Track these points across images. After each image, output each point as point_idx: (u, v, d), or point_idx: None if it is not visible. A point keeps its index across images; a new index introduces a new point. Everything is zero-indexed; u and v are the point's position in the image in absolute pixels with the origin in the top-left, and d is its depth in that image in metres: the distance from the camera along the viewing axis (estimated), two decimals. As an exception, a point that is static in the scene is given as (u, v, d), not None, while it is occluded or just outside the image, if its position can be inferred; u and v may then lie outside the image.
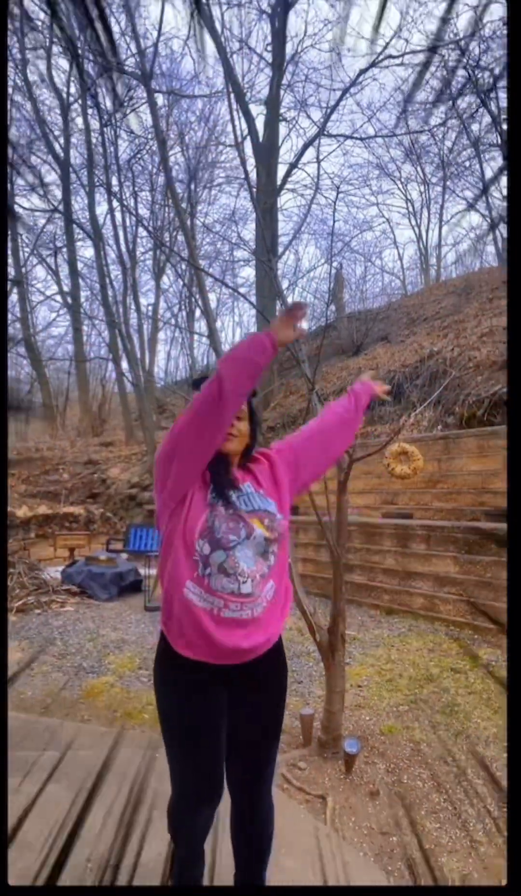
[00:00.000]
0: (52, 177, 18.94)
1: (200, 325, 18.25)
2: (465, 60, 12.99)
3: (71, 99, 18.32)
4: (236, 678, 1.68)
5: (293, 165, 17.00)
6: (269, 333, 1.55)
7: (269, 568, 1.67)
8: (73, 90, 17.79)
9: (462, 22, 16.88)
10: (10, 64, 14.64)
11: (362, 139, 18.03)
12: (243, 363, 1.55)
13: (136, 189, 18.37)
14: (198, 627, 1.58)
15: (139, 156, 18.10)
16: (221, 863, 1.88)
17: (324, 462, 1.95)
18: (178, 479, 1.64)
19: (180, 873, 1.79)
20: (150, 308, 20.55)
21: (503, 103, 12.99)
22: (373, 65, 14.38)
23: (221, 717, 1.70)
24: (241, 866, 1.84)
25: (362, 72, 14.61)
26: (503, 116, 12.99)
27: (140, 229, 18.15)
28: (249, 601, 1.61)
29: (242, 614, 1.60)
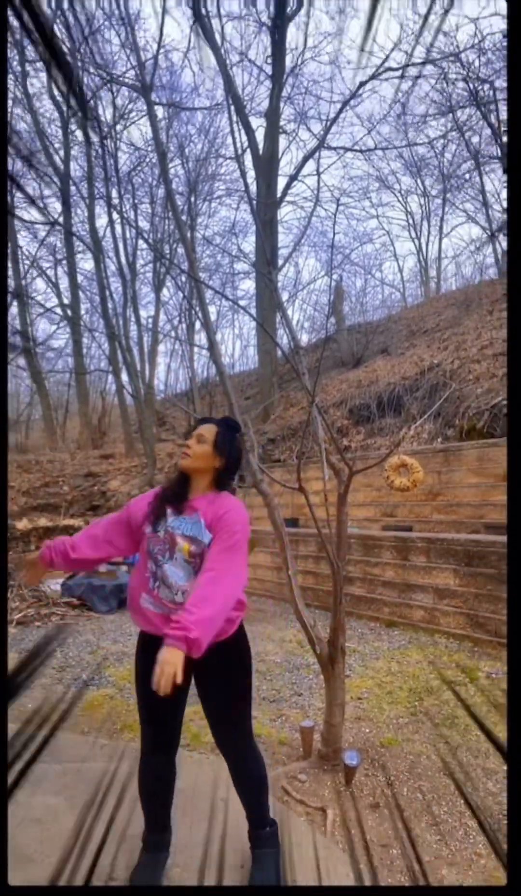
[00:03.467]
0: (51, 189, 19.07)
1: (201, 338, 18.29)
2: (465, 73, 13.15)
3: (71, 112, 18.45)
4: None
5: (293, 178, 17.10)
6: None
7: None
8: (72, 102, 17.90)
9: (462, 35, 17.07)
10: (10, 76, 14.78)
11: (362, 151, 18.18)
12: None
13: (136, 201, 18.50)
14: (148, 626, 2.06)
15: (139, 168, 18.25)
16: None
17: None
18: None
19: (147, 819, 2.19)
20: (150, 320, 20.58)
21: (503, 115, 13.12)
22: (373, 77, 14.45)
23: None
24: (246, 806, 2.22)
25: (362, 84, 14.63)
26: (504, 129, 13.11)
27: (140, 242, 18.23)
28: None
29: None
